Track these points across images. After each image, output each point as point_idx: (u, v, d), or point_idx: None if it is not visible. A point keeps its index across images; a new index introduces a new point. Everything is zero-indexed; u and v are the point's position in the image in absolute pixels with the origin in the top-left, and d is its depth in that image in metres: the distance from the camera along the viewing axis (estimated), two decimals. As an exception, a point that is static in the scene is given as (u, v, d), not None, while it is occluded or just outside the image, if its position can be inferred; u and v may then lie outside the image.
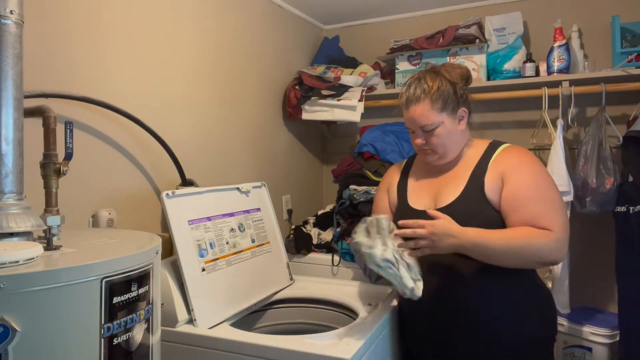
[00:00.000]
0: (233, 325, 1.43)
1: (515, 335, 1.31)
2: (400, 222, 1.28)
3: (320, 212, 2.41)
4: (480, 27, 2.32)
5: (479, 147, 1.44)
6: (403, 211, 1.47)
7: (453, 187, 1.38)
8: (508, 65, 2.24)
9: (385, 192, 1.60)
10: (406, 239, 1.27)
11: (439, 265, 1.35)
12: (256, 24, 2.25)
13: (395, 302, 1.56)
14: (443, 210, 1.34)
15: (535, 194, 1.29)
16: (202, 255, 1.45)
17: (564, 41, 2.13)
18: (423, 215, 1.37)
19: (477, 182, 1.35)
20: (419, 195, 1.47)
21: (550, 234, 1.24)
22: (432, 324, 1.38)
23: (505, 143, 1.43)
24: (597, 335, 2.00)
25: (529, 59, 2.20)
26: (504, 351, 1.31)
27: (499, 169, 1.34)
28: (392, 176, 1.61)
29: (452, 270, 1.33)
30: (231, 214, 1.65)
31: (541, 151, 2.19)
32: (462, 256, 1.29)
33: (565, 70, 2.12)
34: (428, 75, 1.40)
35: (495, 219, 1.32)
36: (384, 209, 1.60)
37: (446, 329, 1.35)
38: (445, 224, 1.24)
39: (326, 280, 1.92)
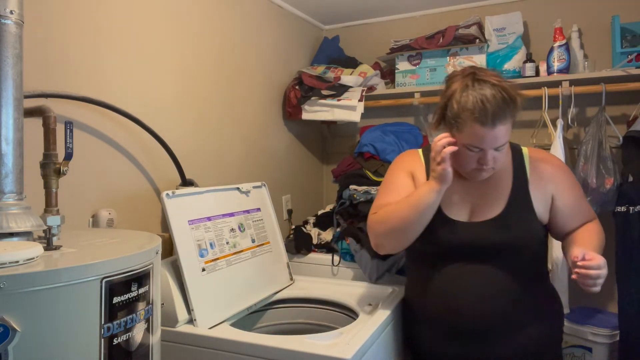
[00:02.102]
0: (233, 325, 1.43)
1: (540, 338, 1.33)
2: (580, 262, 1.16)
3: (320, 212, 2.41)
4: (480, 27, 2.32)
5: None
6: (438, 221, 1.34)
7: (494, 197, 1.36)
8: (508, 65, 2.24)
9: (410, 177, 1.43)
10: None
11: (475, 274, 1.33)
12: (256, 24, 2.25)
13: (396, 303, 1.55)
14: (492, 222, 1.32)
15: (580, 195, 1.41)
16: (202, 255, 1.45)
17: (564, 41, 2.13)
18: (464, 226, 1.34)
19: (523, 194, 1.35)
20: (453, 203, 1.37)
21: (597, 221, 1.41)
22: (459, 330, 1.34)
23: (523, 146, 1.44)
24: (597, 335, 2.00)
25: (529, 59, 2.20)
26: (526, 354, 1.32)
27: (543, 181, 1.36)
28: (414, 166, 1.45)
29: (485, 278, 1.32)
30: (231, 214, 1.65)
31: (541, 151, 2.19)
32: (494, 262, 1.31)
33: (565, 70, 2.12)
34: (506, 87, 1.23)
35: (539, 229, 1.35)
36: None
37: (472, 336, 1.33)
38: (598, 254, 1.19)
39: (326, 280, 1.92)
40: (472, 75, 1.26)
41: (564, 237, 1.39)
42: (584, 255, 1.17)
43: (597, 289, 1.17)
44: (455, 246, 1.35)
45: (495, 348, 1.32)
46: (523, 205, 1.34)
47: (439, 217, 1.35)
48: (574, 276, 1.18)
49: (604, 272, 1.16)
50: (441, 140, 1.26)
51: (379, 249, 1.40)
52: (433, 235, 1.35)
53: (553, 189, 1.36)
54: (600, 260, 1.16)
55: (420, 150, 1.51)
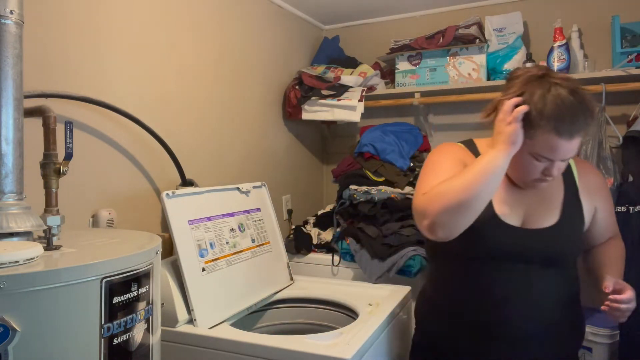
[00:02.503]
0: (233, 325, 1.43)
1: (567, 347, 1.33)
2: (611, 296, 1.17)
3: (320, 212, 2.41)
4: (480, 27, 2.32)
5: None
6: (491, 223, 1.25)
7: (547, 205, 1.30)
8: (508, 65, 2.24)
9: (462, 165, 1.29)
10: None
11: (520, 280, 1.27)
12: (256, 24, 2.25)
13: (396, 302, 1.55)
14: (548, 231, 1.27)
15: (613, 210, 1.43)
16: (202, 255, 1.45)
17: (564, 41, 2.13)
18: (518, 232, 1.27)
19: (576, 203, 1.31)
20: (507, 205, 1.28)
21: (620, 235, 1.43)
22: (488, 332, 1.28)
23: None
24: (597, 335, 1.99)
25: (529, 59, 2.20)
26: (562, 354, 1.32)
27: (590, 192, 1.34)
28: (464, 156, 1.34)
29: (529, 285, 1.27)
30: (231, 214, 1.65)
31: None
32: (539, 270, 1.26)
33: (565, 70, 2.12)
34: (585, 96, 1.15)
35: (582, 240, 1.35)
36: None
37: (501, 339, 1.28)
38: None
39: (326, 280, 1.91)
40: (547, 77, 1.16)
41: (589, 249, 1.39)
42: (614, 286, 1.17)
43: (624, 319, 1.19)
44: (505, 251, 1.26)
45: (523, 353, 1.27)
46: (576, 214, 1.31)
47: (492, 219, 1.25)
48: (603, 307, 1.18)
49: (632, 305, 1.17)
50: (510, 100, 1.16)
51: (436, 229, 1.17)
52: (484, 236, 1.25)
53: (597, 201, 1.34)
54: (630, 294, 1.17)
55: (459, 144, 1.40)
